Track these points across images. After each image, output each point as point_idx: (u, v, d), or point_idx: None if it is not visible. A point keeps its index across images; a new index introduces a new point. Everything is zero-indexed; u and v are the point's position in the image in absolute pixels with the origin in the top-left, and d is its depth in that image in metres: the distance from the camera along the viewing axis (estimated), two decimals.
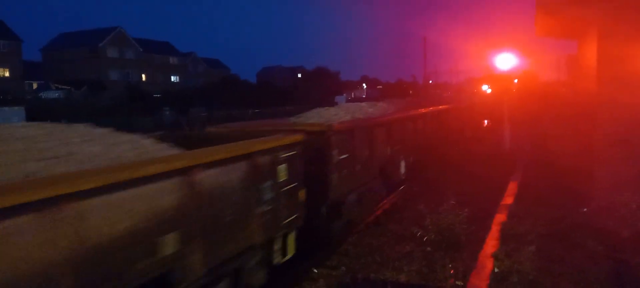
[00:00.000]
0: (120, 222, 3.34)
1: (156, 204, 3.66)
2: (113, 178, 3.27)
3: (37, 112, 32.89)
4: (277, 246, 5.61)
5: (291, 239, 5.87)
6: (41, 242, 2.88)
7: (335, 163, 7.29)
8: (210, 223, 4.29)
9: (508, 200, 9.47)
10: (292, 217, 5.76)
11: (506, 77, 18.78)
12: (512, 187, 10.60)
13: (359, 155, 8.11)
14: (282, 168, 5.52)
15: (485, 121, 21.45)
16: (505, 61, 16.56)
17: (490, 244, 6.95)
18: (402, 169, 10.47)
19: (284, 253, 5.79)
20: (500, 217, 8.23)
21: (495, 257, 6.44)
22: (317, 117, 8.85)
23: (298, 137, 5.92)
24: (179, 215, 3.87)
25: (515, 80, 21.16)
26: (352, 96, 78.81)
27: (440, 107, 15.57)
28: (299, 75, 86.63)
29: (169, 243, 3.78)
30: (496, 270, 6.08)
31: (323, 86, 63.84)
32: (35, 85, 61.58)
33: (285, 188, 5.58)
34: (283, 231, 5.65)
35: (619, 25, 8.71)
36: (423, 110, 12.95)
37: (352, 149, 7.85)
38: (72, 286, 3.01)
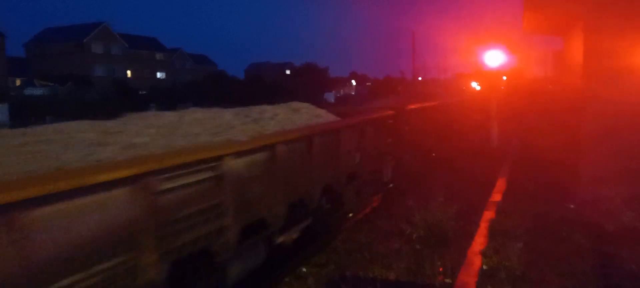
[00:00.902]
0: None
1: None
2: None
3: (22, 109, 32.35)
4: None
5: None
6: None
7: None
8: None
9: (496, 196, 9.51)
10: None
11: (494, 73, 18.90)
12: (500, 183, 10.66)
13: None
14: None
15: (474, 118, 21.59)
16: (494, 57, 16.66)
17: (479, 240, 6.97)
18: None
19: None
20: (488, 213, 8.27)
21: (483, 253, 6.45)
22: None
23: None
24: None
25: (504, 77, 21.32)
26: (341, 93, 78.93)
27: (427, 103, 15.60)
28: (288, 72, 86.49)
29: None
30: (484, 266, 6.10)
31: (312, 82, 63.77)
32: (18, 82, 60.54)
33: None
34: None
35: (605, 20, 8.78)
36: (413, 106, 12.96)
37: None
38: None
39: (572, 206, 8.59)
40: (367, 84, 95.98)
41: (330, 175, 7.15)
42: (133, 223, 3.62)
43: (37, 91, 49.95)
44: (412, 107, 12.79)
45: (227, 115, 6.36)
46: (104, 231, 3.40)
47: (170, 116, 5.84)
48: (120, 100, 40.54)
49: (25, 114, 31.43)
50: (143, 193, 3.69)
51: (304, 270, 6.82)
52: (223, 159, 4.62)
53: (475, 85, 40.15)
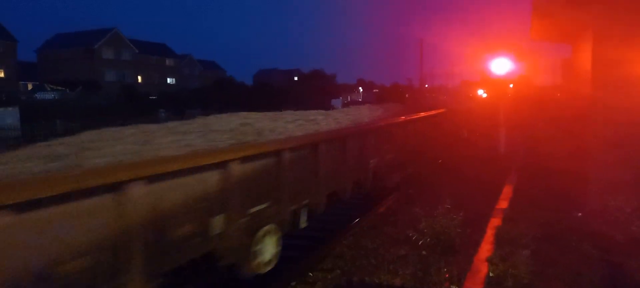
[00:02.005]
0: None
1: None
2: None
3: (32, 113, 32.73)
4: None
5: None
6: None
7: None
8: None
9: (503, 203, 9.47)
10: None
11: (502, 81, 18.83)
12: (507, 191, 10.61)
13: None
14: None
15: (481, 126, 21.52)
16: (501, 65, 16.62)
17: (485, 248, 6.94)
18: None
19: None
20: (495, 221, 8.23)
21: (490, 260, 6.42)
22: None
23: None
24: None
25: (511, 85, 21.25)
26: (348, 99, 78.93)
27: (437, 111, 15.61)
28: (295, 78, 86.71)
29: None
30: (491, 274, 6.07)
31: (319, 89, 63.90)
32: (30, 86, 61.30)
33: None
34: None
35: (614, 28, 8.75)
36: (423, 115, 13.05)
37: None
38: None
39: (579, 214, 8.52)
40: (374, 90, 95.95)
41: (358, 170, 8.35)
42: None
43: (48, 95, 50.51)
44: (422, 115, 12.84)
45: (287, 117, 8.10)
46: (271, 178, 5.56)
47: (270, 116, 7.80)
48: (130, 106, 40.88)
49: (36, 117, 31.77)
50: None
51: (311, 274, 6.84)
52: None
53: (482, 93, 40.01)
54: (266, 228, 5.50)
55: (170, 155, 4.33)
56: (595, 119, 9.04)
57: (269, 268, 5.63)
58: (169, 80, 76.64)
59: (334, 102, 56.19)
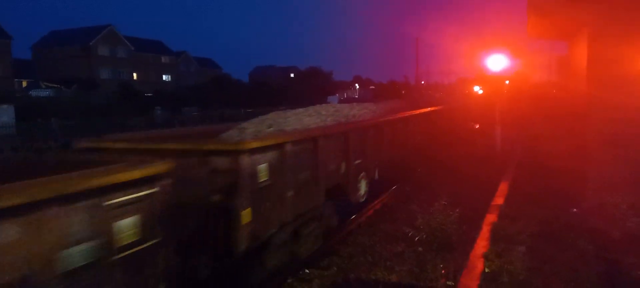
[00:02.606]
0: None
1: None
2: None
3: (27, 111, 32.51)
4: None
5: None
6: None
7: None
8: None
9: (499, 200, 9.49)
10: None
11: (498, 78, 18.87)
12: (503, 188, 10.63)
13: None
14: None
15: (477, 125, 21.58)
16: (497, 62, 16.63)
17: (481, 244, 6.95)
18: None
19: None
20: (491, 217, 8.24)
21: (486, 257, 6.43)
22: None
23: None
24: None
25: (507, 82, 21.29)
26: (345, 96, 78.93)
27: (433, 108, 15.63)
28: (292, 75, 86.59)
29: None
30: (487, 270, 6.08)
31: (316, 86, 63.84)
32: (25, 83, 60.92)
33: None
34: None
35: (610, 26, 8.77)
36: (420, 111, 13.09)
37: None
38: None
39: (575, 211, 8.56)
40: (371, 87, 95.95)
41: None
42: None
43: (43, 93, 50.22)
44: (419, 111, 12.88)
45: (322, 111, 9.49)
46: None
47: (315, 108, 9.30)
48: (127, 104, 40.70)
49: (31, 115, 31.58)
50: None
51: (307, 271, 6.84)
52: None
53: (478, 90, 40.08)
54: (362, 174, 9.01)
55: (331, 125, 8.41)
56: (590, 116, 9.07)
57: (363, 200, 9.12)
58: (164, 77, 76.35)
59: (330, 99, 56.19)
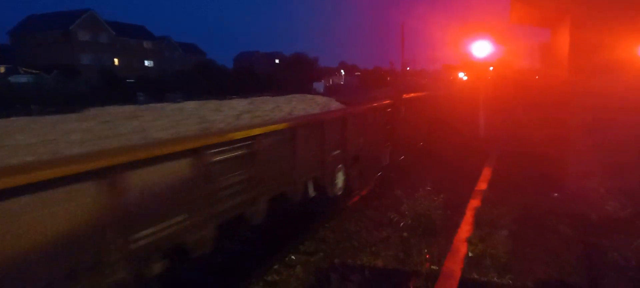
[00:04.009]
0: None
1: None
2: None
3: (5, 97, 31.74)
4: None
5: None
6: None
7: None
8: None
9: (482, 186, 9.64)
10: None
11: (482, 64, 19.01)
12: (486, 174, 10.80)
13: None
14: None
15: (461, 111, 21.74)
16: (481, 49, 16.75)
17: (465, 229, 7.08)
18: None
19: None
20: (474, 203, 8.39)
21: (469, 241, 6.56)
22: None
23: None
24: None
25: (491, 68, 21.45)
26: (330, 83, 78.77)
27: (418, 94, 15.71)
28: (277, 61, 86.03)
29: None
30: (470, 254, 6.21)
31: (301, 72, 63.56)
32: (2, 69, 59.41)
33: None
34: None
35: (591, 13, 8.89)
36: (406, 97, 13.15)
37: None
38: None
39: (556, 195, 8.74)
40: (356, 74, 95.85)
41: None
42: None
43: (22, 79, 49.05)
44: (404, 97, 12.93)
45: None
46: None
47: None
48: (109, 89, 40.02)
49: (10, 102, 30.87)
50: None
51: (293, 257, 6.88)
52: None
53: (462, 76, 40.32)
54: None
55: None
56: (572, 103, 9.23)
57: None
58: (147, 63, 75.14)
59: (316, 85, 56.03)
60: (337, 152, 7.96)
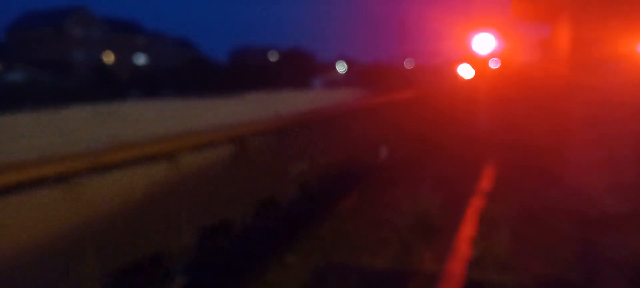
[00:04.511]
0: None
1: None
2: None
3: (1, 95, 31.51)
4: None
5: None
6: None
7: None
8: None
9: (483, 183, 9.57)
10: None
11: (483, 60, 18.95)
12: (487, 171, 10.73)
13: None
14: None
15: (461, 106, 21.70)
16: (483, 44, 16.68)
17: (465, 228, 6.99)
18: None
19: None
20: (475, 201, 8.31)
21: (470, 240, 6.48)
22: None
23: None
24: None
25: (491, 64, 21.42)
26: (329, 77, 78.66)
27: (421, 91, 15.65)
28: (273, 57, 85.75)
29: None
30: (471, 253, 6.13)
31: (298, 67, 63.40)
32: None
33: None
34: None
35: (591, 8, 8.82)
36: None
37: None
38: None
39: (556, 192, 8.69)
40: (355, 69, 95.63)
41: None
42: None
43: (16, 76, 48.73)
44: (403, 95, 12.90)
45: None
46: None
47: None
48: (101, 86, 39.78)
49: (5, 99, 30.63)
50: None
51: (290, 257, 6.78)
52: None
53: (463, 71, 40.27)
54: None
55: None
56: (572, 99, 9.17)
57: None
58: (141, 59, 74.74)
59: (315, 80, 55.90)
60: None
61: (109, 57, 67.17)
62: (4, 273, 3.07)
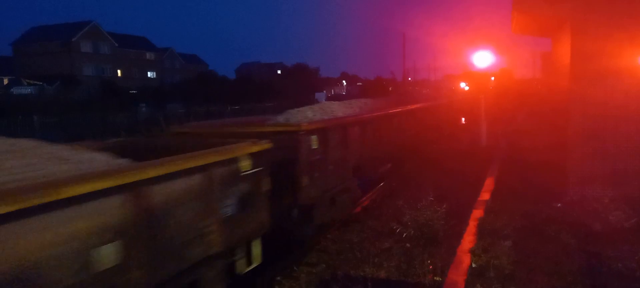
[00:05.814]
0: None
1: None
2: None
3: (8, 108, 31.85)
4: None
5: None
6: None
7: None
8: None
9: (485, 195, 9.59)
10: None
11: (483, 74, 19.06)
12: (488, 183, 10.75)
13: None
14: None
15: (463, 119, 21.74)
16: (483, 58, 16.80)
17: (468, 239, 7.02)
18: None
19: None
20: (477, 213, 8.33)
21: (472, 252, 6.51)
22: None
23: None
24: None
25: (492, 78, 21.51)
26: (332, 93, 79.02)
27: (420, 104, 15.72)
28: (278, 72, 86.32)
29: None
30: (473, 265, 6.15)
31: (302, 83, 63.76)
32: (5, 81, 59.70)
33: None
34: None
35: (592, 22, 8.91)
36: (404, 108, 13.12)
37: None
38: None
39: (559, 205, 8.69)
40: (358, 84, 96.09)
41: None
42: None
43: (25, 90, 49.27)
44: (410, 107, 12.99)
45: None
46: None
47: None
48: (110, 100, 40.16)
49: (12, 113, 30.98)
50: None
51: (296, 269, 6.84)
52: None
53: (464, 86, 40.39)
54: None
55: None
56: (573, 112, 9.21)
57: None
58: (149, 74, 75.40)
59: (318, 95, 56.14)
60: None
61: (118, 72, 67.87)
62: None
